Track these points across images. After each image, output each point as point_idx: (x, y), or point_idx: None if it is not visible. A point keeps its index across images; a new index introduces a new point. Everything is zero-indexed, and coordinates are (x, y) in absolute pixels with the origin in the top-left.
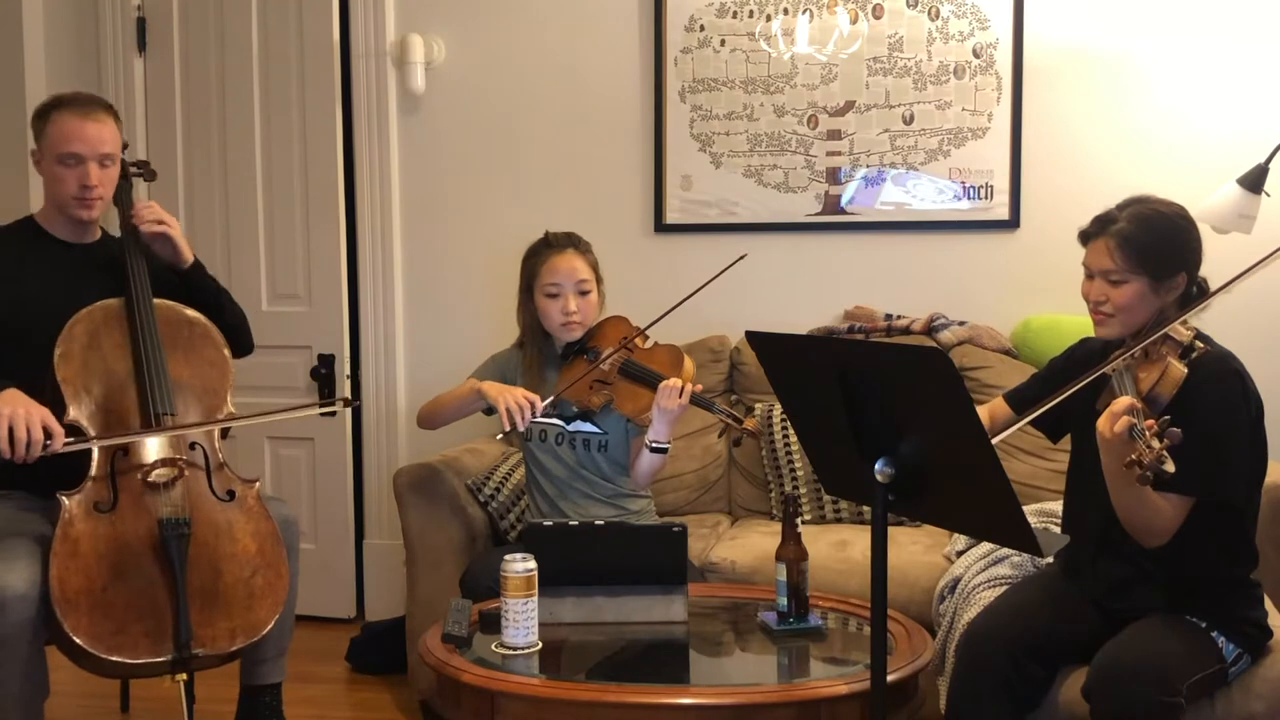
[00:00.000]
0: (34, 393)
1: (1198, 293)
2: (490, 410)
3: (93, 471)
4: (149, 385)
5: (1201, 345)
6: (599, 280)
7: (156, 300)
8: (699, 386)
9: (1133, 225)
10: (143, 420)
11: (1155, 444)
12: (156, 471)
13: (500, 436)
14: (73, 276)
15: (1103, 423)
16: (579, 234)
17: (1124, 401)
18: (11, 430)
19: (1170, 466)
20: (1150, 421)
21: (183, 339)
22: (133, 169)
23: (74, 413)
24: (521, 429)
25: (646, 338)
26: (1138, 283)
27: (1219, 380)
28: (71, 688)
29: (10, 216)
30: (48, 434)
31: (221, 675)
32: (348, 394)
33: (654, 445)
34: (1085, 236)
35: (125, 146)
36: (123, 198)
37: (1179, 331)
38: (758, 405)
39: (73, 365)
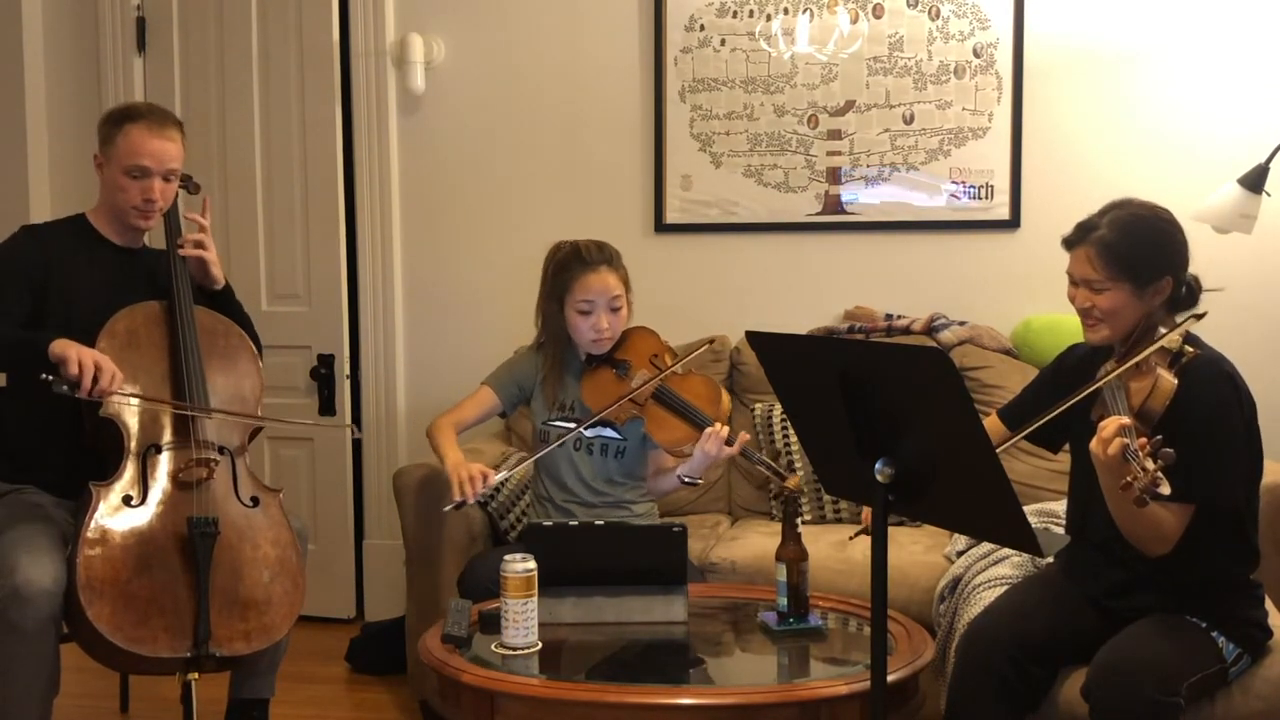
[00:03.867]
0: None
1: (1186, 293)
2: (503, 414)
3: (125, 464)
4: (187, 385)
5: (1191, 350)
6: (629, 290)
7: (197, 308)
8: (746, 436)
9: (1113, 232)
10: (176, 419)
11: (1149, 465)
12: (186, 470)
13: (448, 508)
14: (119, 277)
15: (1095, 445)
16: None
17: (1114, 424)
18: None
19: (1165, 489)
20: (1143, 440)
21: (219, 347)
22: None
23: (111, 407)
24: (471, 501)
25: (675, 354)
26: (1121, 289)
27: (1211, 385)
28: (72, 688)
29: (10, 216)
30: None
31: (220, 678)
32: (348, 396)
33: (688, 480)
34: (1068, 244)
35: None
36: (170, 209)
37: (1169, 339)
38: (758, 405)
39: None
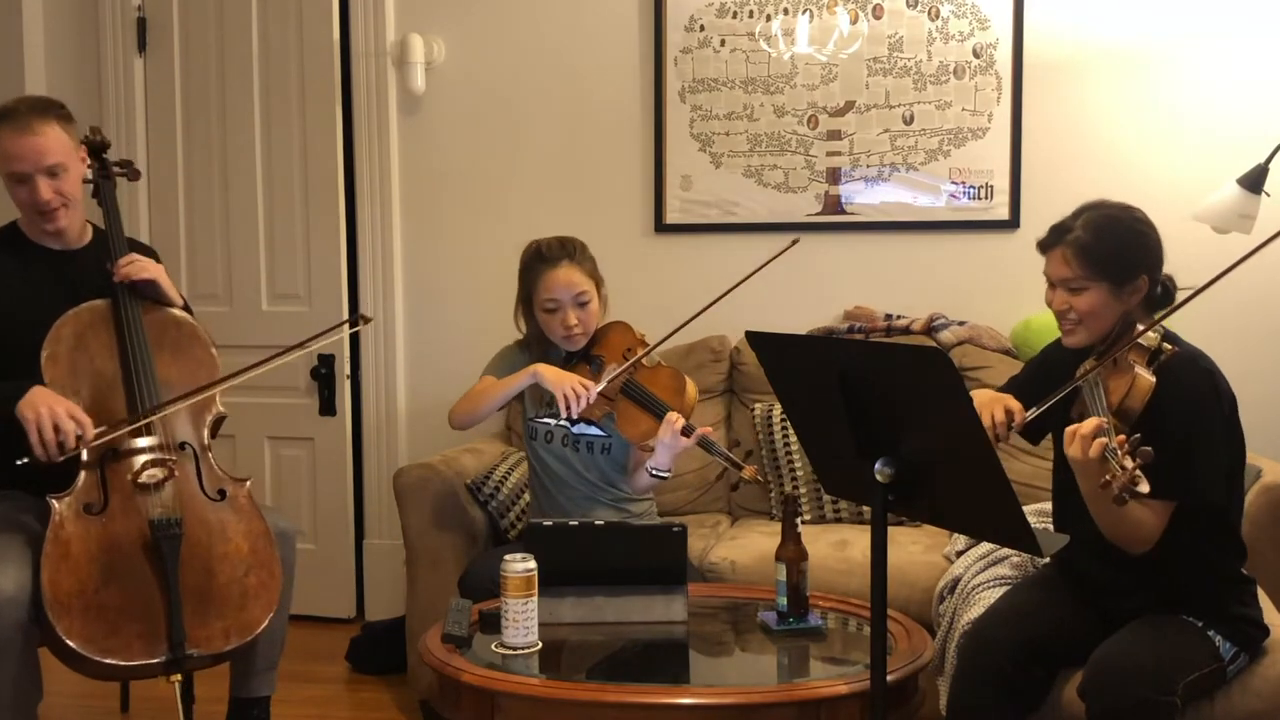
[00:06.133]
0: None
1: (1162, 292)
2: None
3: (82, 473)
4: (136, 384)
5: (1169, 347)
6: (599, 284)
7: (145, 301)
8: (707, 430)
9: (1088, 233)
10: (131, 420)
11: (1128, 464)
12: (147, 472)
13: (556, 424)
14: (59, 282)
15: (1074, 448)
16: (575, 237)
17: (1091, 423)
18: (41, 431)
19: (1144, 488)
20: (1121, 438)
21: (170, 339)
22: (116, 168)
23: None
24: (575, 416)
25: (647, 348)
26: (1098, 289)
27: (1190, 382)
28: (70, 688)
29: (10, 216)
30: (79, 428)
31: (220, 675)
32: (348, 396)
33: (654, 472)
34: (1043, 246)
35: (106, 147)
36: (106, 197)
37: (1147, 337)
38: (758, 405)
39: (60, 367)
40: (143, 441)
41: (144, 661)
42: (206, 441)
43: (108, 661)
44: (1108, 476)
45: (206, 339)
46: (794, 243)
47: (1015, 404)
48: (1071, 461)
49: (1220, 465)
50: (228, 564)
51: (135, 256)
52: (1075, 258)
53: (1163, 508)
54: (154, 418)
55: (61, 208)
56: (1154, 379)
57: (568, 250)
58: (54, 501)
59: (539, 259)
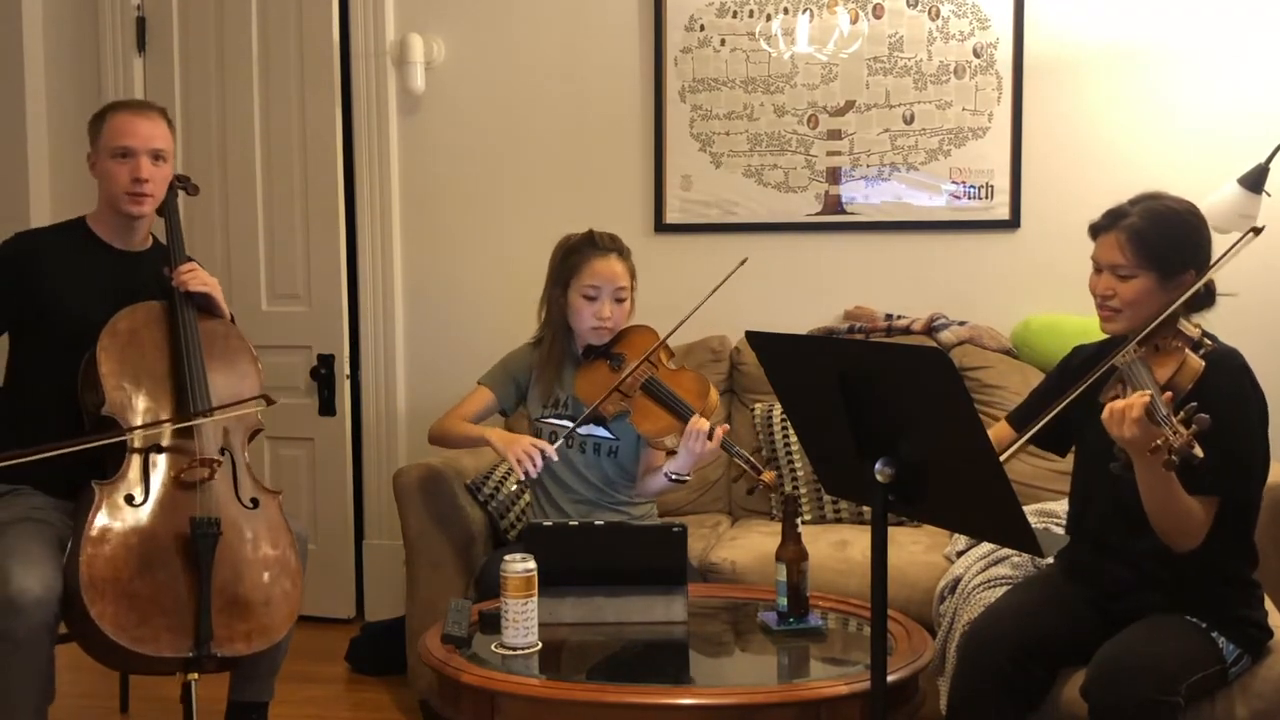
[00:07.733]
0: (65, 391)
1: (1205, 293)
2: (504, 413)
3: (128, 463)
4: (189, 384)
5: (1209, 342)
6: (634, 287)
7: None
8: (726, 428)
9: (1144, 220)
10: (179, 418)
11: (1183, 430)
12: (189, 470)
13: (516, 486)
14: (118, 281)
15: (1114, 422)
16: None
17: (1136, 396)
18: None
19: (1200, 452)
20: (1168, 395)
21: (219, 349)
22: (175, 182)
23: (112, 406)
24: (534, 475)
25: (671, 353)
26: (1146, 278)
27: (1232, 377)
28: (71, 688)
29: (10, 218)
30: None
31: (221, 679)
32: (348, 396)
33: (674, 476)
34: (1095, 230)
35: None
36: (169, 208)
37: (1188, 327)
38: (758, 405)
39: (113, 360)
40: (188, 441)
41: (170, 655)
42: (246, 452)
43: (136, 651)
44: (1158, 442)
45: (253, 354)
46: (743, 262)
47: (1004, 433)
48: (1119, 439)
49: (1257, 463)
50: (255, 570)
51: (195, 266)
52: (1128, 244)
53: (1209, 503)
54: (205, 420)
55: (150, 196)
56: (1203, 362)
57: (617, 245)
58: (97, 487)
59: (590, 245)
